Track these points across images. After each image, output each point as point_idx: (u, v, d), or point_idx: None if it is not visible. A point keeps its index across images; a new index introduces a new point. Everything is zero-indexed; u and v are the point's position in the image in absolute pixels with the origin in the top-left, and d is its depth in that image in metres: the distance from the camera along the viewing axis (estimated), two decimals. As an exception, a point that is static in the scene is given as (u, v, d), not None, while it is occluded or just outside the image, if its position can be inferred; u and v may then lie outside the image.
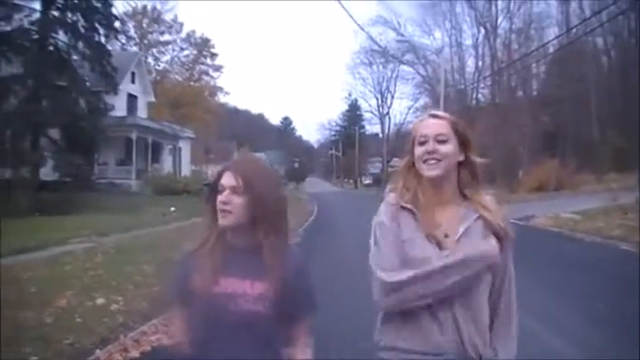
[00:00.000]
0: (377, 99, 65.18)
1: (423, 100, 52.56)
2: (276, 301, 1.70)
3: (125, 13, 42.29)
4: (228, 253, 1.76)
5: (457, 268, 1.68)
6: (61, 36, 22.54)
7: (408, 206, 1.79)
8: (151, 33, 51.22)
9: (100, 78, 23.71)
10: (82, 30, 22.80)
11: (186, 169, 37.83)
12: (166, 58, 53.93)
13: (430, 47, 47.12)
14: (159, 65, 53.13)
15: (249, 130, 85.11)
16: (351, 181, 76.55)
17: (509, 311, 1.81)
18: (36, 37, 21.56)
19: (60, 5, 22.31)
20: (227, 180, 1.73)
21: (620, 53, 36.11)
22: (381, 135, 68.48)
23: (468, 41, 45.75)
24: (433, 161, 1.76)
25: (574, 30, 32.37)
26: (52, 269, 8.31)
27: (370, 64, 60.61)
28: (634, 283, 6.99)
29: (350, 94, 74.85)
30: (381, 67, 60.91)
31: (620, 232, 12.88)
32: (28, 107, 20.29)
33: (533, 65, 36.95)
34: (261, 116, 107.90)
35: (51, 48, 22.03)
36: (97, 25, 23.25)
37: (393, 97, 63.60)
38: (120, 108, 29.72)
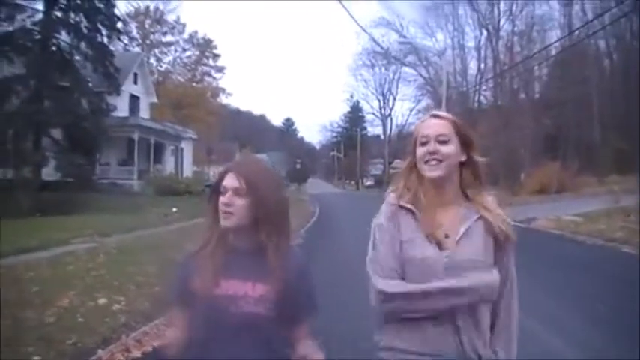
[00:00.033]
0: (379, 101, 65.37)
1: (425, 101, 52.69)
2: (278, 302, 1.70)
3: (128, 14, 42.67)
4: (229, 254, 1.75)
5: (458, 294, 1.68)
6: (64, 36, 22.60)
7: (408, 206, 1.79)
8: (154, 34, 51.20)
9: (103, 78, 23.77)
10: (85, 30, 22.87)
11: (188, 170, 37.89)
12: (169, 58, 53.96)
13: (432, 49, 47.20)
14: (161, 66, 53.16)
15: (251, 132, 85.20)
16: (352, 182, 76.49)
17: (509, 312, 1.81)
18: (38, 37, 21.62)
19: (63, 6, 22.39)
20: (229, 182, 1.73)
21: (622, 56, 36.04)
22: (382, 137, 68.59)
23: (471, 43, 45.58)
24: (434, 162, 1.76)
25: (576, 32, 32.41)
26: (54, 269, 8.32)
27: (372, 65, 60.82)
28: (635, 285, 6.99)
29: (352, 96, 75.30)
30: (383, 68, 61.13)
31: (621, 235, 12.85)
32: (31, 107, 20.37)
33: (536, 68, 36.93)
34: (263, 117, 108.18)
35: (53, 48, 22.10)
36: (99, 25, 23.32)
37: (395, 98, 63.84)
38: (122, 109, 29.79)
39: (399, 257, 1.74)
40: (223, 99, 61.55)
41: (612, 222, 14.92)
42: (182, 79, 54.84)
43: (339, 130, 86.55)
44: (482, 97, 42.78)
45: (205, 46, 55.24)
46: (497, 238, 1.77)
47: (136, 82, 34.15)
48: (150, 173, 29.99)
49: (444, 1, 43.48)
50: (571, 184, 28.88)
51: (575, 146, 34.40)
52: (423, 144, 1.78)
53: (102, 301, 6.30)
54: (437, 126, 1.79)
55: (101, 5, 23.30)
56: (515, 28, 38.73)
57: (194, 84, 55.27)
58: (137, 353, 4.84)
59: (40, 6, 22.10)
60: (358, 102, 75.70)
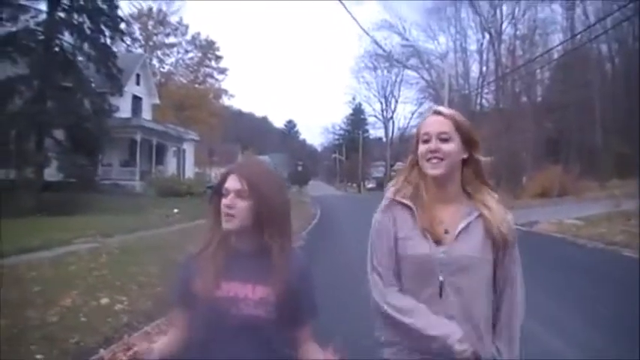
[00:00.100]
0: (381, 103, 65.59)
1: (427, 104, 52.35)
2: (279, 304, 1.69)
3: (131, 15, 42.70)
4: (230, 256, 1.74)
5: (441, 348, 1.69)
6: (67, 37, 22.61)
7: (405, 201, 1.80)
8: (157, 35, 51.28)
9: (105, 79, 23.80)
10: (88, 31, 22.87)
11: (189, 172, 37.95)
12: (171, 60, 54.05)
13: (435, 52, 47.12)
14: (164, 67, 53.24)
15: (253, 133, 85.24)
16: (354, 184, 76.52)
17: (511, 313, 1.81)
18: (42, 38, 21.64)
19: (66, 6, 22.40)
20: (232, 183, 1.71)
21: (624, 60, 36.01)
22: (384, 139, 68.80)
23: (473, 46, 45.59)
24: (436, 160, 1.76)
25: (578, 36, 32.38)
26: (56, 269, 8.35)
27: (374, 68, 61.01)
28: (635, 288, 7.01)
29: (354, 98, 75.31)
30: (385, 71, 61.33)
31: (622, 238, 12.85)
32: (33, 108, 20.39)
33: (538, 71, 36.89)
34: (265, 119, 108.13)
35: (56, 49, 22.12)
36: (102, 26, 23.32)
37: (397, 101, 64.11)
38: (124, 109, 29.78)
39: (394, 254, 1.78)
40: (226, 100, 61.70)
41: (613, 226, 14.92)
42: (184, 81, 54.89)
43: (341, 132, 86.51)
44: (484, 101, 42.77)
45: (208, 48, 55.33)
46: (494, 241, 1.78)
47: (138, 84, 34.21)
48: (152, 174, 30.02)
49: (446, 4, 43.61)
50: (573, 188, 28.86)
51: (576, 150, 34.38)
52: (425, 141, 1.79)
53: (104, 301, 6.33)
54: (438, 123, 1.80)
55: (104, 6, 23.31)
56: (518, 32, 38.84)
57: (196, 85, 55.30)
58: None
59: (44, 7, 22.20)
60: (360, 104, 75.83)
